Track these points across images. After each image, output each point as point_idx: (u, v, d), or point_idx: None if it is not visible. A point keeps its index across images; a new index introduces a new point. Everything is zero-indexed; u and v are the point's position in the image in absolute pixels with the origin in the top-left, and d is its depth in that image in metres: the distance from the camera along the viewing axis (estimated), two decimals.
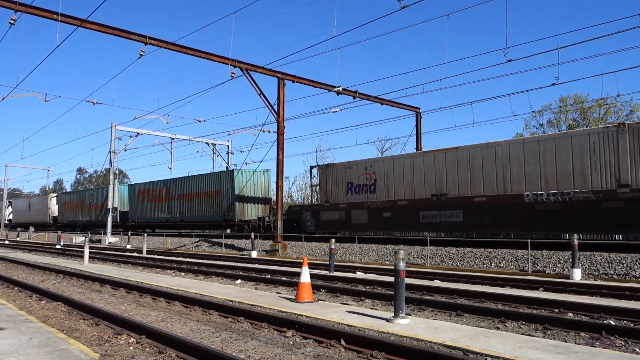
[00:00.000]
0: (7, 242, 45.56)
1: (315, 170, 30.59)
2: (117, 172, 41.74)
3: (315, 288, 11.50)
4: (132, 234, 36.17)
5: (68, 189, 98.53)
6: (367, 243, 22.93)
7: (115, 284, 13.59)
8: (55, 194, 62.32)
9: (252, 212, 33.66)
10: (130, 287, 12.83)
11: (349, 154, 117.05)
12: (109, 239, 38.95)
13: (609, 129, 17.79)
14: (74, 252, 27.61)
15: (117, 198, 42.29)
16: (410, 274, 14.61)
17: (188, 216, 37.73)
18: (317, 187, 28.97)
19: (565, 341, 7.10)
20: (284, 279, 14.57)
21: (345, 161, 27.20)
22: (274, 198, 32.46)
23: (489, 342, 6.49)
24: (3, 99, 28.09)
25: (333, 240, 17.27)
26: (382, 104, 29.53)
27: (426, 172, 22.54)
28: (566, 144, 18.45)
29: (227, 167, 44.16)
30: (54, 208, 59.22)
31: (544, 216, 18.42)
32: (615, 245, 17.20)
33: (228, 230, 34.61)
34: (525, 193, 18.97)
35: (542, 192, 18.55)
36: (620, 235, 19.49)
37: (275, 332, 7.61)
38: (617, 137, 17.32)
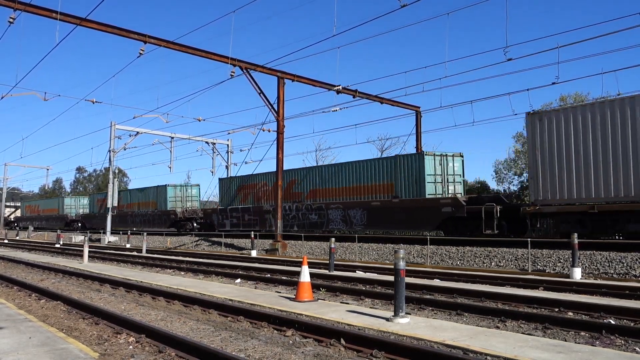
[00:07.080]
0: (6, 241, 45.55)
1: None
2: (116, 171, 41.73)
3: (315, 287, 11.49)
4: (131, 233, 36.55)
5: (67, 188, 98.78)
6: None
7: (115, 283, 13.58)
8: None
9: None
10: (129, 286, 12.82)
11: (349, 153, 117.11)
12: (109, 238, 38.95)
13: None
14: (74, 251, 27.60)
15: None
16: (410, 273, 14.60)
17: None
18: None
19: (565, 340, 7.09)
20: (284, 278, 14.55)
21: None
22: None
23: (489, 341, 6.48)
24: (2, 97, 27.93)
25: (333, 239, 17.29)
26: (382, 103, 29.48)
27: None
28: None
29: (226, 166, 44.09)
30: None
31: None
32: (616, 244, 17.21)
33: None
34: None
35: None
36: (622, 236, 19.92)
37: (275, 331, 7.60)
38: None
